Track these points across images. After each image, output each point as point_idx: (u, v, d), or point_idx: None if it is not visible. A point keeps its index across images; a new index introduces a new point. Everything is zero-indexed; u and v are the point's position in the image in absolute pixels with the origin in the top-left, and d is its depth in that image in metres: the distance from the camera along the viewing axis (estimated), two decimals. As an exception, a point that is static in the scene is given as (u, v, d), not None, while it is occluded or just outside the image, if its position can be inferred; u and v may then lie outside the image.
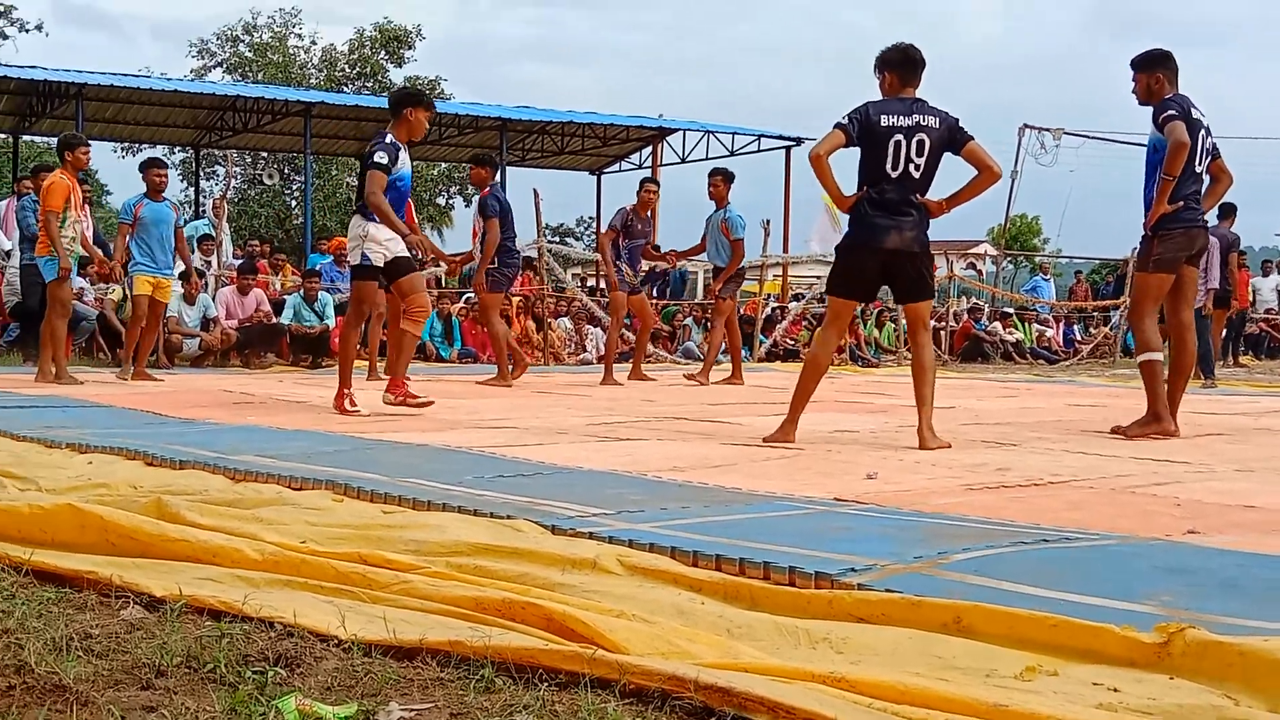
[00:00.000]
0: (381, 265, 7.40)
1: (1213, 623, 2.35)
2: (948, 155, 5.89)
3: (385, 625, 2.32)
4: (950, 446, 5.80)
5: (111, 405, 7.58)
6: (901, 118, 5.80)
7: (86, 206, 10.22)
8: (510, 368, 11.08)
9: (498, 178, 13.10)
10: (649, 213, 11.87)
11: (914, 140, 5.78)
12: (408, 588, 2.63)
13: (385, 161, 7.31)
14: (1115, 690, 2.11)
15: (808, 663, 2.21)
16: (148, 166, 11.12)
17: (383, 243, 7.35)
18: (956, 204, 5.95)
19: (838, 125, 5.79)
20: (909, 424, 7.13)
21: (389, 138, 7.45)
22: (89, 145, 10.48)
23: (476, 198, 11.25)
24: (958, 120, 5.91)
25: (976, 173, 5.88)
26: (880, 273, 6.03)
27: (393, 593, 2.62)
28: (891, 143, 5.77)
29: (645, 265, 11.98)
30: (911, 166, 5.80)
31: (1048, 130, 23.11)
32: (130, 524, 3.05)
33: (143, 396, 8.40)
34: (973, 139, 5.89)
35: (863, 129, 5.78)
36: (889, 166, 5.79)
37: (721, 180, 11.54)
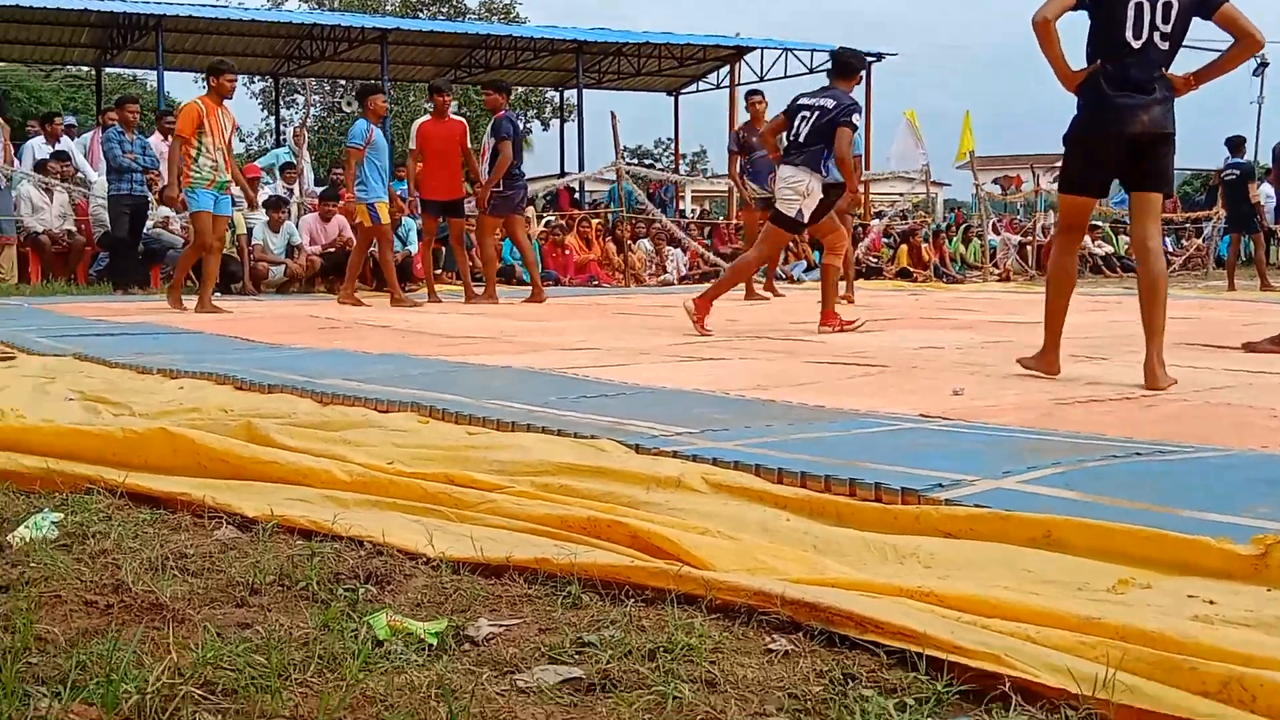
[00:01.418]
0: (805, 221, 7.80)
1: (1313, 535, 2.28)
2: None
3: (472, 544, 2.34)
4: (1176, 383, 4.87)
5: (201, 331, 7.69)
6: None
7: (226, 131, 10.05)
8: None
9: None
10: (764, 124, 12.02)
11: (1159, 3, 4.88)
12: (494, 507, 2.65)
13: (860, 126, 7.81)
14: (1211, 603, 2.08)
15: (895, 578, 2.19)
16: (371, 92, 11.22)
17: (814, 196, 7.66)
18: (1207, 79, 5.06)
19: None
20: (995, 340, 7.05)
21: (857, 102, 7.82)
22: (235, 73, 10.33)
23: (492, 120, 11.45)
24: None
25: (1233, 41, 4.96)
26: (1120, 161, 5.07)
27: (479, 512, 2.64)
28: (1131, 7, 4.88)
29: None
30: (1157, 35, 4.90)
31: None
32: (221, 447, 3.10)
33: (231, 323, 8.52)
34: (1228, 1, 4.92)
35: None
36: (1130, 35, 4.90)
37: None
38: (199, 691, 1.62)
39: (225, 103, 10.00)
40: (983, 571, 2.30)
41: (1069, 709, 1.61)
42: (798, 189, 7.61)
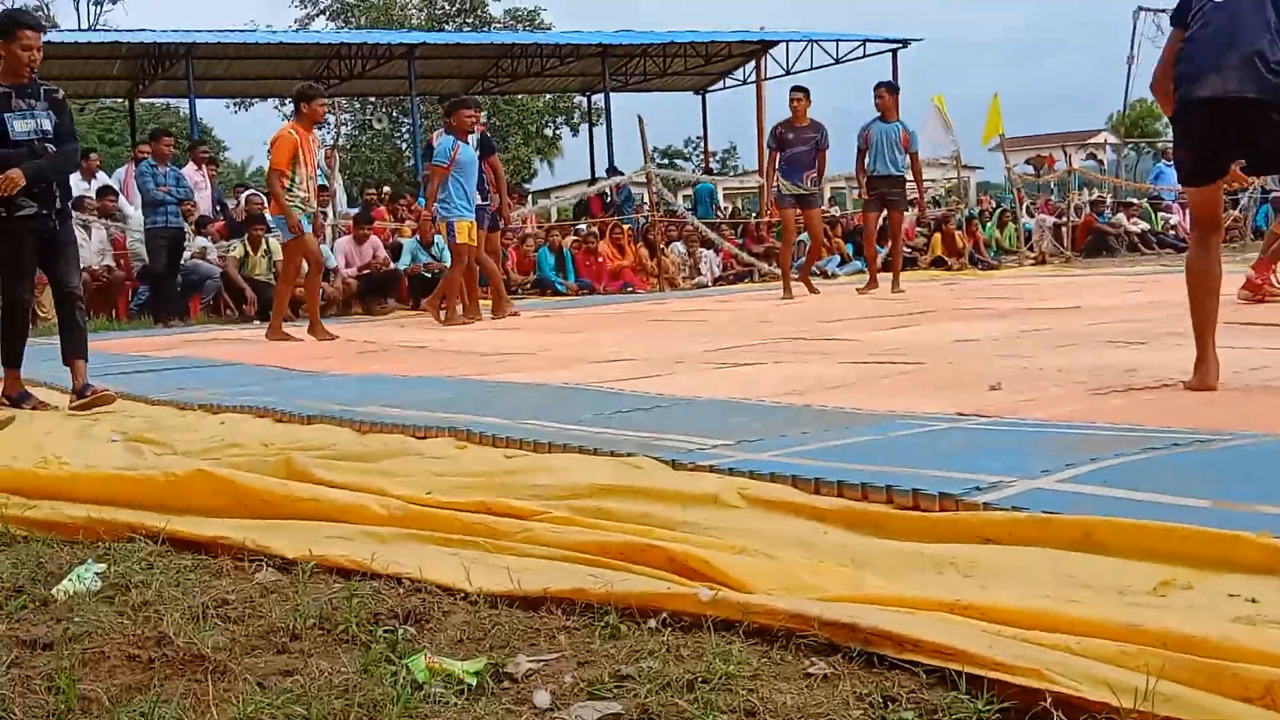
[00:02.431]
0: None
1: (1356, 524, 2.26)
2: None
3: (509, 576, 2.35)
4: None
5: (240, 362, 7.75)
6: None
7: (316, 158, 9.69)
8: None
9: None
10: (804, 121, 12.07)
11: None
12: (531, 536, 2.65)
13: None
14: (1253, 601, 2.06)
15: (934, 589, 2.19)
16: (458, 107, 10.58)
17: None
18: None
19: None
20: (1033, 329, 7.01)
21: None
22: (326, 98, 9.98)
23: (474, 138, 10.87)
24: None
25: None
26: (1218, 134, 4.31)
27: (516, 541, 2.65)
28: None
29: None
30: None
31: (1164, 11, 22.21)
32: (261, 486, 3.13)
33: (269, 351, 8.59)
34: None
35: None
36: None
37: (887, 91, 11.93)
38: (241, 747, 1.64)
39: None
40: (1023, 577, 2.29)
41: (1111, 723, 1.59)
42: None
